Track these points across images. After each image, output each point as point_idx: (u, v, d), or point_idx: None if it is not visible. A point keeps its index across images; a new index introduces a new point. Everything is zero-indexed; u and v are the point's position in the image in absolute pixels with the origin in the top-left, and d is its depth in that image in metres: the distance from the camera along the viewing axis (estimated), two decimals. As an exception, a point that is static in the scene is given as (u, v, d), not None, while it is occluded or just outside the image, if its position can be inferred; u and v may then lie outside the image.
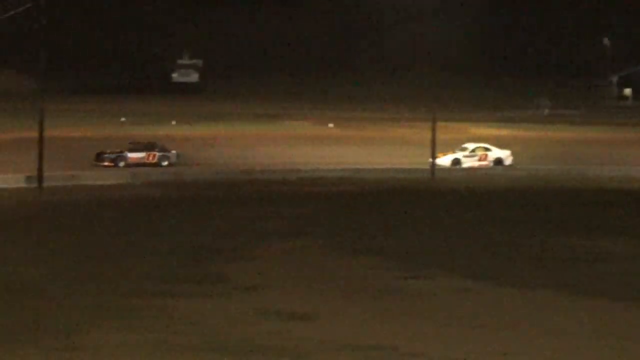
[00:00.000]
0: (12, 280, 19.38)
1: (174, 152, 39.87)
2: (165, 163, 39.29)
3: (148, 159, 39.24)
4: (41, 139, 35.36)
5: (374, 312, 16.90)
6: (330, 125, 63.92)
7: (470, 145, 42.97)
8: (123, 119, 61.47)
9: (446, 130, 47.63)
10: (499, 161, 41.82)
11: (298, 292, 18.78)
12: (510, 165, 41.87)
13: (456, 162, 41.32)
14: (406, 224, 29.56)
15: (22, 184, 35.76)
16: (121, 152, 39.01)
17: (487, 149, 42.44)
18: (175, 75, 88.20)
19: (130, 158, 38.72)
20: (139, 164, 38.69)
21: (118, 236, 26.01)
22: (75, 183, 36.84)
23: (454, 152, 42.18)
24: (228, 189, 37.00)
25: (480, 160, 41.54)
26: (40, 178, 34.92)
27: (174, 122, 60.43)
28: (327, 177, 40.81)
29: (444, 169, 41.31)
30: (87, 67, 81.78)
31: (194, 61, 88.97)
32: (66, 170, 38.16)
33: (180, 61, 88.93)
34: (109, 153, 38.73)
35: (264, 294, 18.52)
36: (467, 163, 41.39)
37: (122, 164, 38.28)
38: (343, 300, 18.08)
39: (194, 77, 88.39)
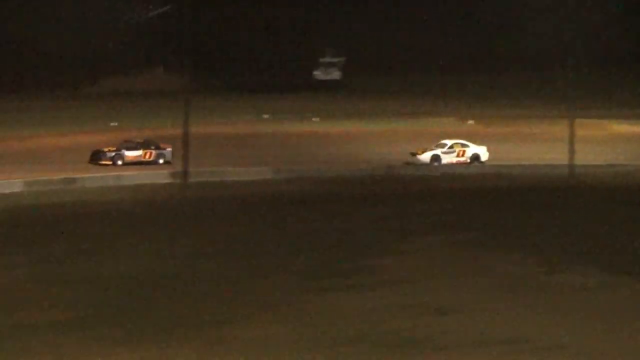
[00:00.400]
0: (164, 275, 21.60)
1: (169, 149, 40.13)
2: (162, 161, 40.24)
3: (145, 157, 40.32)
4: (186, 136, 36.43)
5: (518, 306, 18.16)
6: (470, 122, 64.59)
7: (448, 142, 43.98)
8: (266, 116, 63.57)
9: (585, 127, 48.15)
10: (476, 157, 43.23)
11: (443, 286, 20.18)
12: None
13: (435, 158, 42.28)
14: (548, 220, 30.01)
15: (168, 180, 37.99)
16: (119, 150, 39.78)
17: (464, 145, 43.71)
18: (317, 73, 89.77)
19: (127, 156, 39.54)
20: (135, 162, 39.67)
21: (265, 231, 28.08)
22: (219, 179, 38.78)
23: (431, 148, 43.29)
24: (371, 185, 38.51)
25: (458, 156, 42.78)
26: (185, 174, 36.32)
27: (315, 119, 62.15)
28: (468, 174, 42.75)
29: (585, 166, 41.60)
30: (234, 65, 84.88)
31: (337, 59, 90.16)
32: (210, 167, 40.21)
33: (322, 59, 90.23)
34: (107, 151, 39.70)
35: (411, 288, 20.04)
36: (445, 159, 42.46)
37: (120, 162, 39.14)
38: (487, 294, 19.27)
39: (336, 74, 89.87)
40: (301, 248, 25.12)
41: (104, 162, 39.09)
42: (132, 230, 28.34)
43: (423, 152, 42.16)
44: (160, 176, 38.08)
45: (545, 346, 13.96)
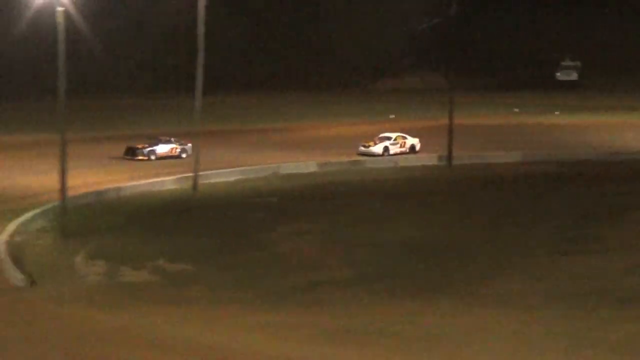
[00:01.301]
0: (432, 240, 24.29)
1: (190, 145, 41.56)
2: (184, 155, 42.08)
3: (172, 152, 42.37)
4: (450, 127, 41.32)
5: None
6: None
7: (392, 135, 44.95)
8: (516, 110, 69.45)
9: None
10: (412, 147, 44.72)
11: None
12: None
13: (386, 149, 43.38)
14: None
15: (436, 162, 42.69)
16: (152, 147, 41.99)
17: (404, 137, 44.88)
18: (558, 75, 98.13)
19: (159, 153, 41.61)
20: (165, 157, 41.67)
21: (517, 203, 30.90)
22: (477, 161, 42.66)
23: (375, 142, 44.00)
24: (602, 167, 40.16)
25: (400, 147, 44.15)
26: (450, 157, 41.24)
27: (557, 113, 68.81)
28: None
29: None
30: (489, 67, 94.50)
31: (575, 63, 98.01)
32: (470, 151, 43.91)
33: (563, 63, 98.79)
34: (142, 148, 41.39)
35: (635, 253, 21.81)
36: (392, 150, 43.71)
37: (153, 157, 41.18)
38: None
39: (574, 76, 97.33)
40: (546, 217, 27.40)
41: (140, 158, 41.19)
42: (406, 203, 31.42)
43: (375, 144, 43.26)
44: (428, 159, 42.27)
45: None
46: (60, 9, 25.59)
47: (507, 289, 19.19)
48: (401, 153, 44.05)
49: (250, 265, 22.61)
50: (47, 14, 27.01)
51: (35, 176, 35.36)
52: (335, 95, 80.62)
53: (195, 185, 34.85)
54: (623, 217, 27.47)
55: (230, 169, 39.27)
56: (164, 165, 40.35)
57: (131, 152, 41.24)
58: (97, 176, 35.65)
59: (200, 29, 33.54)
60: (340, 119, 63.53)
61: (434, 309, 17.89)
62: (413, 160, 43.51)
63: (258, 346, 15.18)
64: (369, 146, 43.15)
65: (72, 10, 26.43)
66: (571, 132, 55.06)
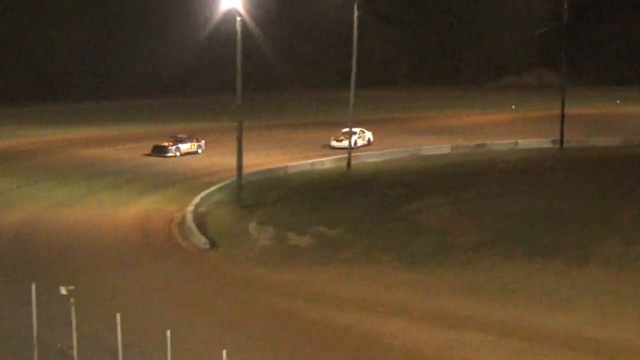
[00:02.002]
0: (543, 210, 26.19)
1: (203, 141, 45.70)
2: (200, 151, 44.83)
3: (191, 148, 44.70)
4: (562, 114, 45.93)
5: None
6: None
7: (356, 129, 46.91)
8: (618, 101, 75.47)
9: None
10: (369, 140, 48.59)
11: None
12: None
13: (355, 142, 45.17)
14: None
15: (549, 145, 48.07)
16: (176, 144, 44.14)
17: (363, 132, 48.34)
18: None
19: (182, 149, 44.08)
20: (186, 153, 43.98)
21: (620, 180, 31.70)
22: (585, 145, 47.91)
23: (345, 137, 45.11)
24: None
25: (362, 140, 47.66)
26: (561, 141, 46.52)
27: None
28: None
29: None
30: (594, 65, 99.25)
31: None
32: (578, 136, 49.85)
33: None
34: (169, 146, 43.96)
35: None
36: (359, 143, 46.58)
37: (178, 154, 43.63)
38: None
39: None
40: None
41: (169, 155, 43.10)
42: (525, 178, 34.78)
43: (345, 139, 44.83)
44: (543, 143, 47.96)
45: None
46: (239, 18, 30.15)
47: (611, 253, 21.37)
48: (362, 145, 47.66)
49: (392, 232, 25.63)
50: (228, 21, 31.86)
51: (208, 159, 42.40)
52: (466, 90, 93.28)
53: (349, 165, 40.39)
54: None
55: (378, 151, 45.47)
56: (299, 151, 45.86)
57: (160, 150, 43.75)
58: (262, 158, 40.41)
59: (355, 35, 39.06)
60: (470, 110, 72.79)
61: (549, 269, 20.64)
62: (530, 144, 48.88)
63: (400, 301, 18.40)
64: (341, 140, 45.88)
65: (247, 19, 30.89)
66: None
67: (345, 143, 44.78)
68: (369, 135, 49.53)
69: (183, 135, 46.16)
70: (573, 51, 63.07)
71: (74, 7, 77.71)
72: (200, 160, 43.46)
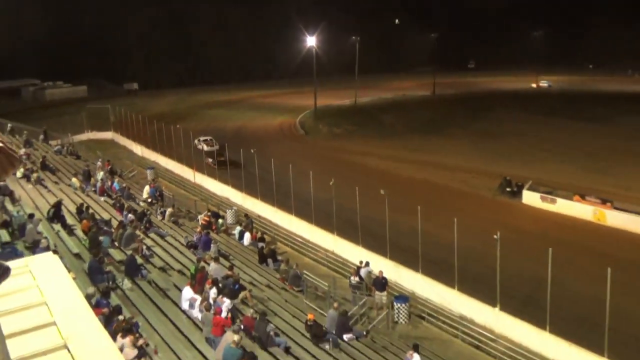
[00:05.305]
0: None
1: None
2: (216, 147, 43.89)
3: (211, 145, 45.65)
4: (434, 84, 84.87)
5: None
6: None
7: (207, 138, 46.83)
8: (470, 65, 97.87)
9: None
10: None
11: None
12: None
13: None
14: None
15: (429, 93, 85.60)
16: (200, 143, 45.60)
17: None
18: None
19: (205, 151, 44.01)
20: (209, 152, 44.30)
21: None
22: (446, 93, 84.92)
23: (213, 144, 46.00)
24: None
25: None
26: (434, 92, 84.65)
27: None
28: None
29: None
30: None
31: None
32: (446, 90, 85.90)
33: None
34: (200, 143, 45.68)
35: None
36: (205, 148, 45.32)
37: (210, 160, 41.41)
38: None
39: None
40: None
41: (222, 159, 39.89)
42: (420, 105, 73.49)
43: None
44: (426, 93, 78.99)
45: None
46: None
47: (454, 132, 54.14)
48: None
49: (374, 127, 59.16)
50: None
51: (294, 99, 77.49)
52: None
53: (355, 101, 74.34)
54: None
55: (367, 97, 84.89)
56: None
57: (212, 156, 40.77)
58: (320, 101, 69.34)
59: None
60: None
61: (433, 139, 52.69)
62: (424, 93, 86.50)
63: (378, 151, 49.04)
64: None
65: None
66: None
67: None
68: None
69: (209, 137, 45.99)
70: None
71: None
72: (298, 102, 73.50)
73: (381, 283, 19.96)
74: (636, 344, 16.61)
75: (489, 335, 18.31)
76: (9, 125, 38.43)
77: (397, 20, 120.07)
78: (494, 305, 18.81)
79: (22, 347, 2.67)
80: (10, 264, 3.44)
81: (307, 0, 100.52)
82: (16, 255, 13.08)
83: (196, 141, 44.14)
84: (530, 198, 33.00)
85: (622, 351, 15.81)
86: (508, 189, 34.46)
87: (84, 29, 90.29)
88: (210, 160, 40.29)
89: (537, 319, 17.40)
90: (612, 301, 15.24)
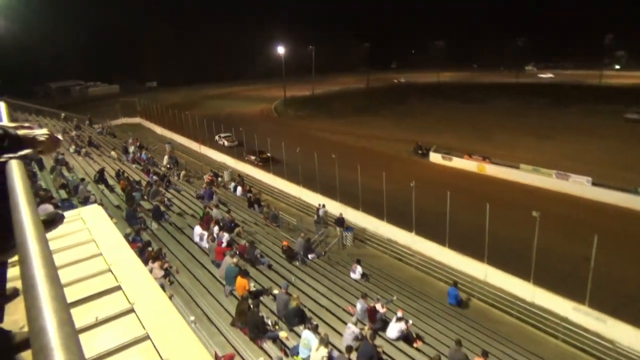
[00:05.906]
0: None
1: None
2: (236, 142, 35.93)
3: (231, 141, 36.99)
4: (368, 81, 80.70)
5: None
6: None
7: (227, 134, 38.05)
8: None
9: None
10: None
11: None
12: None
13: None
14: None
15: (364, 86, 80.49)
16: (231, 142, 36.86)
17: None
18: None
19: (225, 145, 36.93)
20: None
21: None
22: (377, 86, 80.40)
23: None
24: None
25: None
26: (367, 84, 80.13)
27: None
28: None
29: None
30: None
31: None
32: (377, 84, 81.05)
33: None
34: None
35: None
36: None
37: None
38: None
39: None
40: None
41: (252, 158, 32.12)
42: (357, 95, 70.67)
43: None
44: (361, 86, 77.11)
45: None
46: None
47: (385, 112, 51.26)
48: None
49: (325, 111, 57.38)
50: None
51: (268, 92, 74.23)
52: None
53: (313, 92, 72.86)
54: None
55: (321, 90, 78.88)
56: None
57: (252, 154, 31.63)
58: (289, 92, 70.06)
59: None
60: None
61: (370, 119, 51.17)
62: (361, 86, 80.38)
63: (334, 129, 49.02)
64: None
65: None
66: None
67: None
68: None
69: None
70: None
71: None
72: (272, 94, 71.83)
73: (340, 221, 20.03)
74: (509, 254, 17.25)
75: (408, 251, 18.75)
76: (63, 114, 36.61)
77: (342, 32, 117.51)
78: (410, 230, 19.27)
79: (75, 273, 2.61)
80: (67, 213, 3.40)
81: (280, 21, 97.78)
82: (72, 207, 12.60)
83: (217, 137, 38.38)
84: (435, 157, 33.18)
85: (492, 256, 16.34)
86: (420, 152, 34.65)
87: (115, 41, 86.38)
88: (252, 157, 32.05)
89: (441, 238, 17.89)
90: (490, 227, 15.94)
